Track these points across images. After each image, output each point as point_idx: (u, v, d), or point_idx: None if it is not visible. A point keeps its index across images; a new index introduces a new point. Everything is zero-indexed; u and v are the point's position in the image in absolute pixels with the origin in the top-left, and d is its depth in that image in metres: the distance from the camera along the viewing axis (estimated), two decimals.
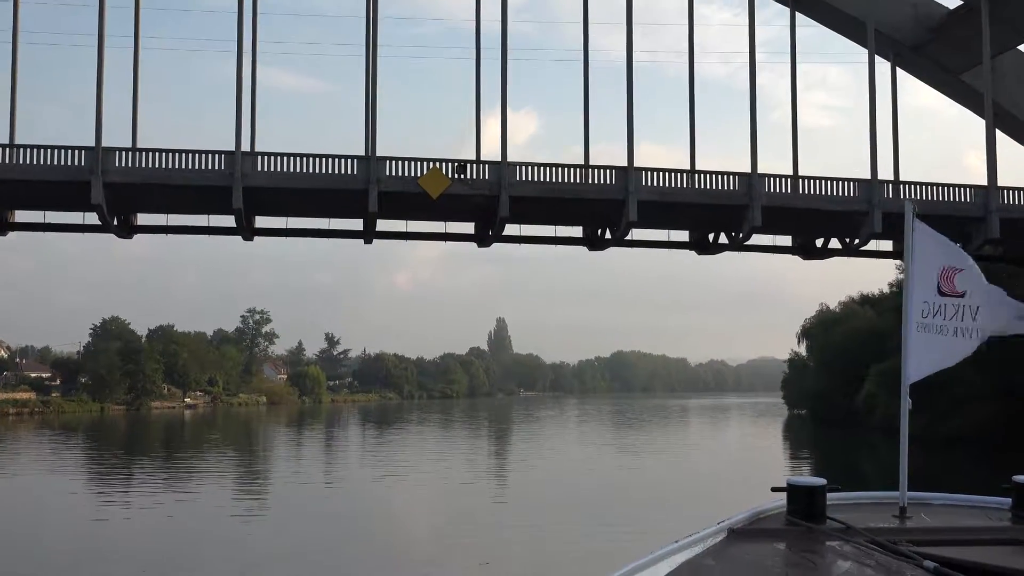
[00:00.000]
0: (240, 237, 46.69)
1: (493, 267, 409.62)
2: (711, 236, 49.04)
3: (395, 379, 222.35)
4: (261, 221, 47.79)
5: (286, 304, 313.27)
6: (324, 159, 42.73)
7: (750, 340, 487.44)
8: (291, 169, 42.48)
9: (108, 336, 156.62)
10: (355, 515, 34.03)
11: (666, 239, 49.79)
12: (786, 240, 50.09)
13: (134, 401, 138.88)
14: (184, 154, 42.03)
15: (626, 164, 44.11)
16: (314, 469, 54.17)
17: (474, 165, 43.54)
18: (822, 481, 5.70)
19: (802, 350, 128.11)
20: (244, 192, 41.95)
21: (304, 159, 42.64)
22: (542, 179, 43.78)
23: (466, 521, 31.73)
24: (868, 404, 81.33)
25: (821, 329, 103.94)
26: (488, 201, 43.51)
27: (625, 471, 51.28)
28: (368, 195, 42.26)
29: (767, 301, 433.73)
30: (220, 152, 42.30)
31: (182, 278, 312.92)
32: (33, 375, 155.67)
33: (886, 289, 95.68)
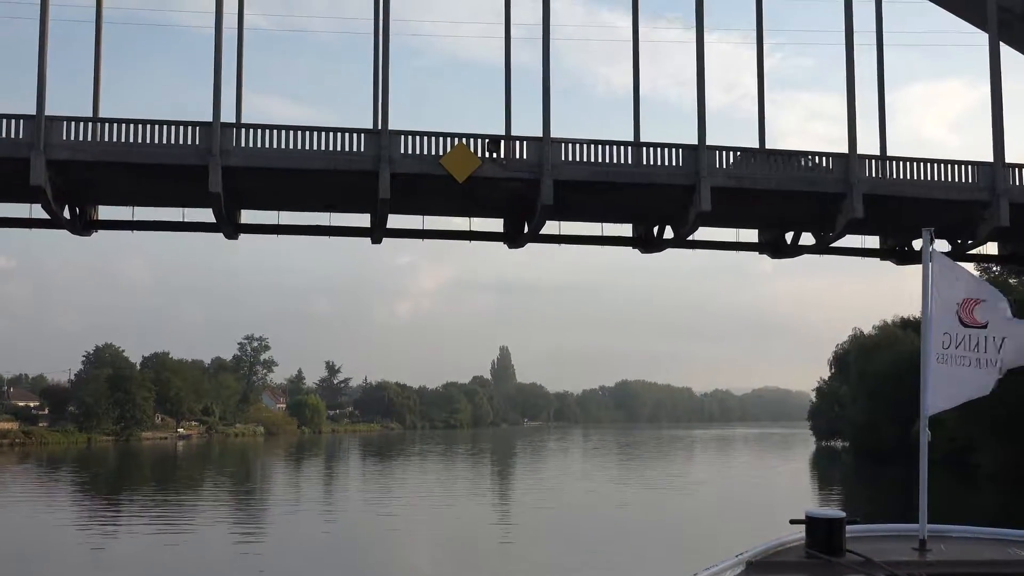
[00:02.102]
0: (222, 235, 37.88)
1: (495, 296, 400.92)
2: (789, 234, 40.24)
3: (397, 409, 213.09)
4: (247, 217, 39.08)
5: (286, 331, 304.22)
6: (323, 133, 33.90)
7: (754, 369, 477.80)
8: (282, 145, 33.62)
9: (101, 363, 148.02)
10: (354, 558, 29.79)
11: (734, 239, 40.95)
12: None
13: (123, 431, 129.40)
14: (149, 125, 33.19)
15: (696, 142, 35.29)
16: (310, 507, 46.14)
17: (509, 142, 34.70)
18: (841, 513, 5.78)
19: (830, 377, 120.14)
20: (225, 174, 33.11)
21: (298, 133, 33.78)
22: (592, 159, 34.93)
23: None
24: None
25: (860, 355, 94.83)
26: (526, 187, 34.67)
27: (678, 512, 43.23)
28: (378, 178, 33.40)
29: (771, 330, 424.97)
30: (195, 123, 33.49)
31: (181, 305, 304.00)
32: (21, 404, 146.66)
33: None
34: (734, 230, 40.89)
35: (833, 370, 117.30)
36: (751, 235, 41.09)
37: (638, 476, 70.98)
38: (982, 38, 37.29)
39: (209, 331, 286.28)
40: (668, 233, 38.90)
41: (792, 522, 5.94)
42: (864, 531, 6.46)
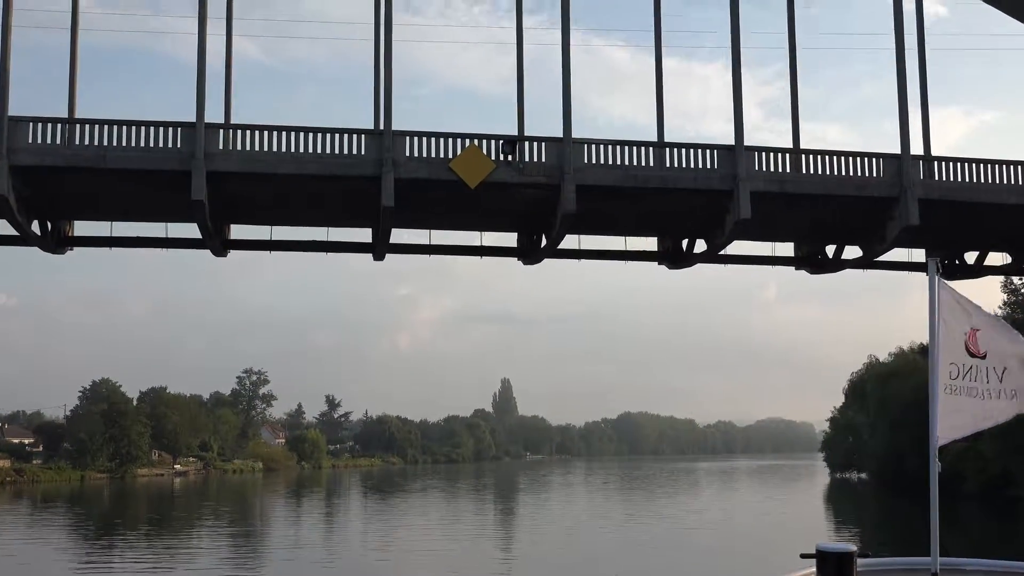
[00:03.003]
0: (210, 252, 34.16)
1: (495, 327, 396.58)
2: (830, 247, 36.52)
3: (398, 443, 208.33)
4: (237, 232, 35.42)
5: (285, 365, 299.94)
6: (318, 134, 30.18)
7: (757, 401, 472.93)
8: (274, 148, 29.92)
9: (98, 399, 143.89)
10: None
11: (769, 253, 37.22)
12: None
13: (118, 468, 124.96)
14: (126, 127, 29.47)
15: (732, 143, 31.63)
16: (310, 548, 43.00)
17: (526, 143, 31.02)
18: (852, 547, 5.89)
19: (843, 406, 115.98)
20: (210, 180, 29.36)
21: (291, 134, 30.06)
22: (617, 162, 31.24)
23: None
24: (955, 467, 68.45)
25: (878, 384, 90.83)
26: (545, 194, 30.97)
27: (693, 547, 40.33)
28: (381, 184, 29.68)
29: (773, 360, 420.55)
30: (177, 124, 29.79)
31: (181, 339, 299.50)
32: (16, 441, 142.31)
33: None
34: (766, 244, 37.28)
35: (846, 400, 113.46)
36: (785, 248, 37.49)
37: (650, 511, 66.88)
38: None
39: (208, 365, 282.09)
40: (698, 247, 35.25)
41: (803, 556, 6.09)
42: (876, 564, 6.63)
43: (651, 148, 31.38)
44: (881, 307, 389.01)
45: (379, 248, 34.11)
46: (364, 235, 35.09)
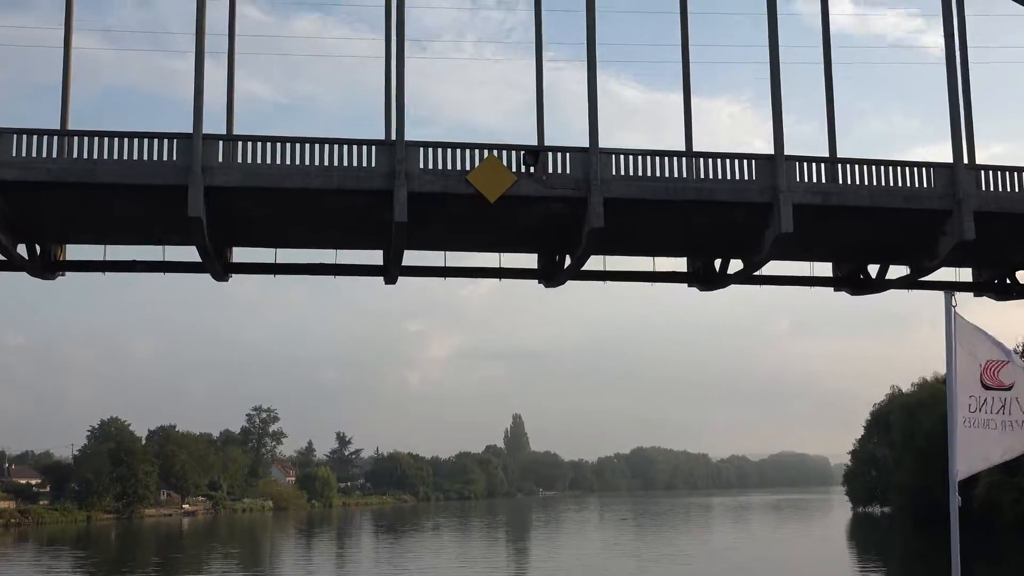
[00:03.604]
0: (211, 276, 31.78)
1: (506, 363, 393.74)
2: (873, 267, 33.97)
3: (410, 480, 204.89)
4: (240, 256, 33.06)
5: (295, 402, 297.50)
6: (326, 146, 27.79)
7: (770, 434, 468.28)
8: (277, 161, 27.57)
9: (106, 438, 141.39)
10: None
11: (807, 273, 34.65)
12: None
13: (125, 508, 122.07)
14: (117, 139, 27.12)
15: (772, 151, 29.17)
16: None
17: (549, 154, 28.61)
18: None
19: (862, 439, 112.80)
20: (209, 196, 27.01)
21: (296, 146, 27.66)
22: (646, 173, 28.80)
23: None
24: (991, 500, 65.61)
25: (903, 415, 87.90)
26: (569, 208, 28.54)
27: None
28: (393, 198, 27.28)
29: (786, 393, 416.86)
30: (173, 135, 27.48)
31: (190, 377, 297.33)
32: (23, 482, 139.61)
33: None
34: (803, 264, 34.76)
35: (867, 432, 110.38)
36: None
37: (676, 549, 63.87)
38: None
39: (218, 404, 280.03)
40: (732, 267, 32.75)
41: None
42: None
43: (683, 158, 28.91)
44: (893, 338, 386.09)
45: (391, 271, 31.68)
46: (374, 258, 32.82)
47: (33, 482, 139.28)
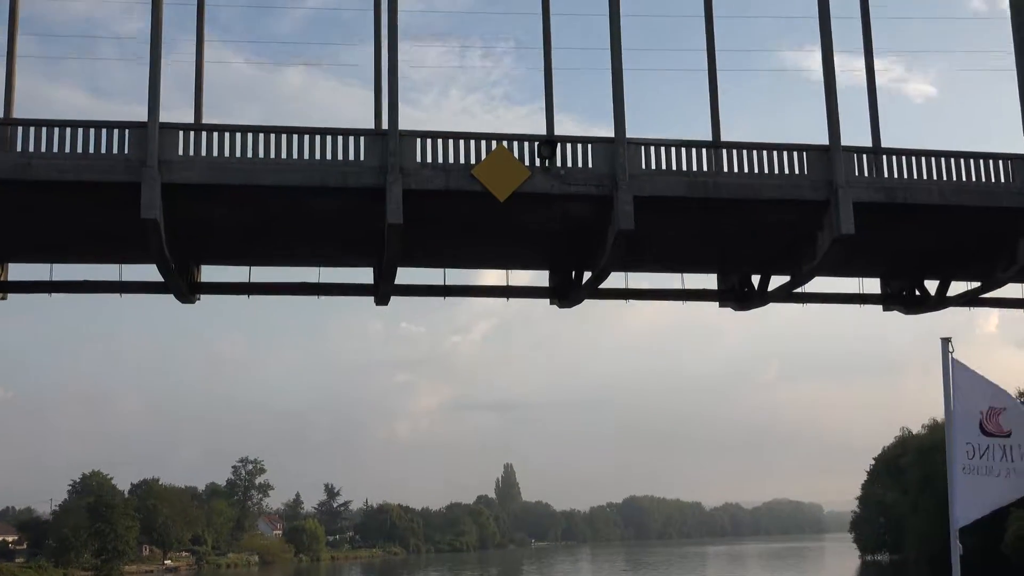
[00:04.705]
0: (174, 297, 27.19)
1: (495, 413, 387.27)
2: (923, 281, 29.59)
3: (400, 532, 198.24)
4: (209, 275, 28.52)
5: (282, 454, 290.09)
6: (305, 136, 23.34)
7: (763, 481, 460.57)
8: (248, 155, 23.11)
9: (88, 492, 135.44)
10: None
11: (854, 290, 30.31)
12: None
13: (103, 565, 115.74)
14: (58, 128, 22.65)
15: (826, 143, 24.84)
16: None
17: (568, 145, 24.19)
18: None
19: (866, 484, 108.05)
20: (168, 196, 22.50)
21: (271, 138, 23.23)
22: (680, 167, 24.42)
23: None
24: (1022, 541, 61.22)
25: (918, 457, 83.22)
26: (591, 208, 24.13)
27: None
28: (385, 196, 22.81)
29: (778, 440, 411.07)
30: (124, 124, 23.00)
31: (176, 431, 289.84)
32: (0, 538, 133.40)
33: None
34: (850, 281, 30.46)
35: (873, 477, 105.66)
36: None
37: None
38: None
39: (204, 456, 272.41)
40: (769, 281, 28.38)
41: None
42: None
43: (724, 150, 24.58)
44: (884, 383, 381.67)
45: (382, 289, 27.16)
46: (363, 276, 28.37)
47: (10, 539, 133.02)
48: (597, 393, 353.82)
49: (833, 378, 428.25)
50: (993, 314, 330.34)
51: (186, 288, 26.66)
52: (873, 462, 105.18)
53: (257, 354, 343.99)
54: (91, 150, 22.51)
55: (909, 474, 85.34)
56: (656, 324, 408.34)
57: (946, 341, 8.15)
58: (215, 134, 23.05)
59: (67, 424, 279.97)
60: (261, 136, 23.10)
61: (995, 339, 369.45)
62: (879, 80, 26.60)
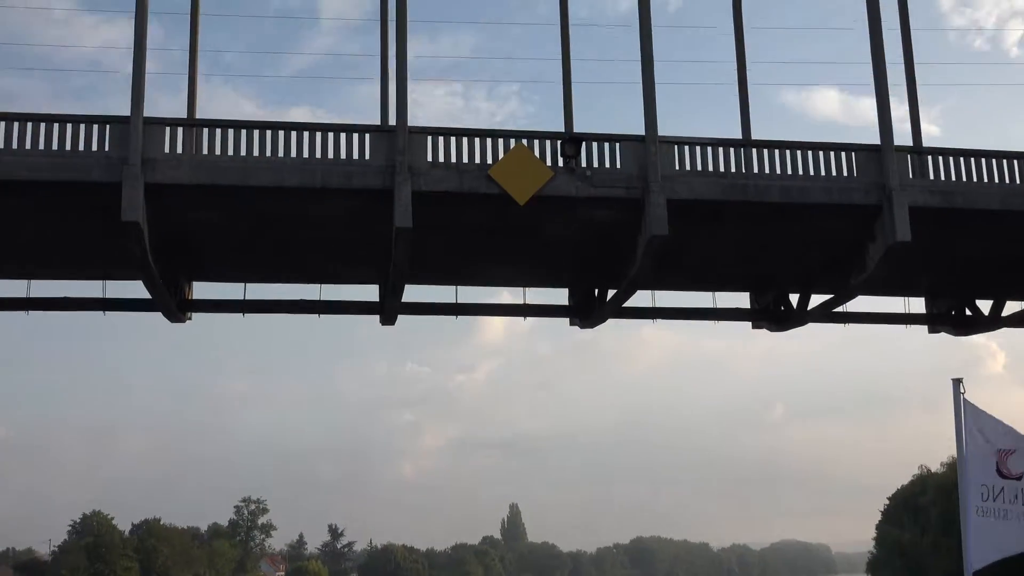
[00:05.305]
0: (163, 315, 24.82)
1: (501, 452, 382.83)
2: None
3: (405, 573, 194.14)
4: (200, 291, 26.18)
5: (286, 494, 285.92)
6: (304, 133, 21.04)
7: (771, 522, 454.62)
8: (242, 153, 20.79)
9: (88, 533, 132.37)
10: None
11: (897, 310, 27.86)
12: None
13: None
14: (31, 123, 20.34)
15: (878, 141, 22.48)
16: None
17: (593, 144, 21.82)
18: None
19: (885, 523, 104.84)
20: (153, 199, 20.15)
21: (266, 135, 20.88)
22: (718, 169, 22.04)
23: None
24: None
25: (941, 496, 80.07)
26: (619, 214, 21.74)
27: None
28: (394, 198, 20.44)
29: (785, 480, 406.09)
30: (105, 119, 20.67)
31: (180, 471, 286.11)
32: None
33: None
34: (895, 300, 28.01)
35: (889, 516, 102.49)
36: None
37: None
38: None
39: (207, 496, 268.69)
40: (809, 300, 25.95)
41: None
42: None
43: (764, 150, 22.22)
44: (889, 422, 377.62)
45: (388, 306, 24.75)
46: (366, 293, 26.05)
47: None
48: (602, 431, 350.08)
49: (842, 416, 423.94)
50: (1000, 353, 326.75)
51: (175, 305, 24.30)
52: (888, 501, 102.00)
53: (259, 392, 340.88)
54: (68, 147, 20.19)
55: (929, 513, 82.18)
56: (662, 360, 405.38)
57: (957, 382, 7.95)
58: (205, 131, 20.74)
59: (69, 463, 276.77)
60: (256, 133, 20.79)
61: (1003, 379, 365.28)
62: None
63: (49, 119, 20.35)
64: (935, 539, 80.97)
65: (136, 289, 24.24)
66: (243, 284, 25.66)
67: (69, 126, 20.36)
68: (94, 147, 20.32)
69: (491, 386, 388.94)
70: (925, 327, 28.14)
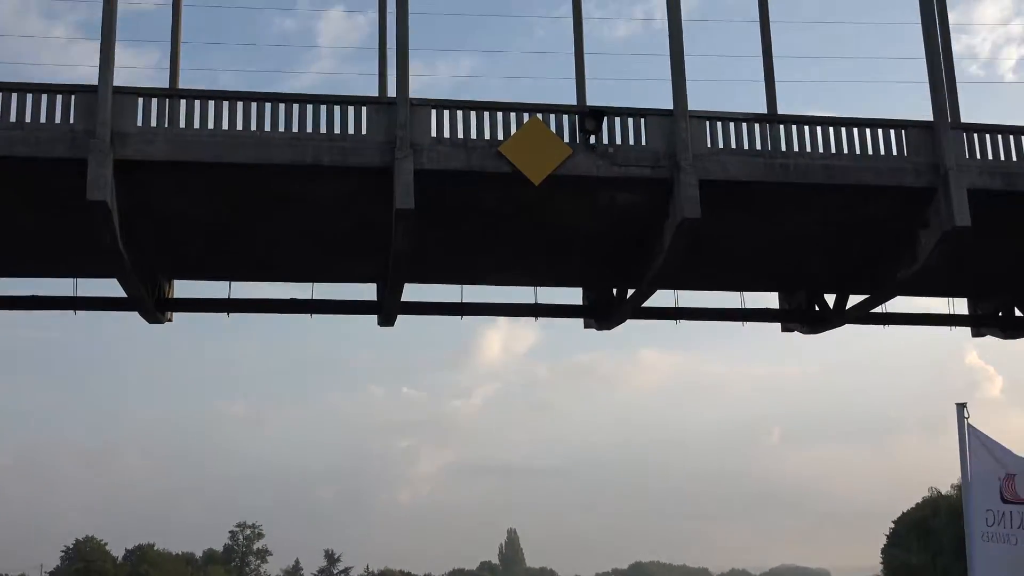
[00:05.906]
0: (140, 316, 22.41)
1: (498, 477, 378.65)
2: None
3: None
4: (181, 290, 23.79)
5: (282, 519, 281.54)
6: (293, 105, 18.68)
7: (768, 546, 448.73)
8: (224, 126, 18.42)
9: (82, 559, 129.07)
10: None
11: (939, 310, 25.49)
12: None
13: None
14: None
15: (931, 118, 20.16)
16: None
17: (616, 119, 19.44)
18: None
19: (891, 546, 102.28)
20: (124, 177, 17.79)
21: (251, 107, 18.56)
22: (754, 147, 19.68)
23: None
24: None
25: (952, 518, 77.59)
26: (645, 197, 19.38)
27: None
28: (393, 176, 18.07)
29: (783, 504, 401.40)
30: (69, 88, 18.26)
31: (177, 497, 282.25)
32: None
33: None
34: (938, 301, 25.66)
35: (890, 540, 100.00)
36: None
37: None
38: None
39: (204, 520, 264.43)
40: (847, 299, 23.59)
41: None
42: None
43: (805, 127, 19.87)
44: (885, 446, 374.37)
45: (387, 305, 22.34)
46: (363, 291, 23.67)
47: None
48: (600, 455, 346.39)
49: (840, 439, 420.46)
50: (998, 377, 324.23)
51: (152, 304, 21.87)
52: (893, 524, 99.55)
53: (254, 417, 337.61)
54: (27, 119, 17.80)
55: (940, 536, 79.70)
56: (660, 383, 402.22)
57: (961, 407, 7.83)
58: (183, 102, 18.35)
59: (68, 490, 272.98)
60: (240, 105, 18.41)
61: (1000, 404, 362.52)
62: None
63: (6, 88, 17.98)
64: (947, 563, 78.47)
65: (113, 289, 21.95)
66: (228, 283, 23.29)
67: (29, 96, 17.97)
68: (57, 119, 17.93)
69: (487, 411, 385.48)
70: (979, 331, 25.73)
